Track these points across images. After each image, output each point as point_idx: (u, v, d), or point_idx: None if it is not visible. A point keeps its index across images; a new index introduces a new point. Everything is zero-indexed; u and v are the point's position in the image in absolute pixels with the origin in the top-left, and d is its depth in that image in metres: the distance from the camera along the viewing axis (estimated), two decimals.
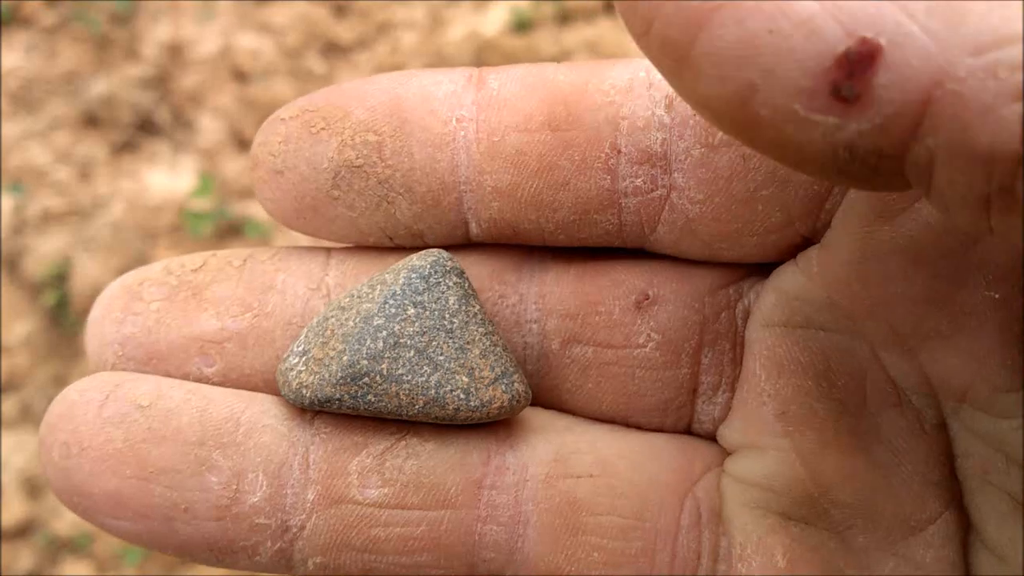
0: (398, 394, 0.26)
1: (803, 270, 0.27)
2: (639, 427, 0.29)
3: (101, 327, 0.29)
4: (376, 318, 0.26)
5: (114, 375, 0.28)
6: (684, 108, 0.27)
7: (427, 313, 0.27)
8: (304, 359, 0.27)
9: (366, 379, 0.26)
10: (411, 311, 0.27)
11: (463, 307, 0.27)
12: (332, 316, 0.27)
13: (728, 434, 0.28)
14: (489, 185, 0.27)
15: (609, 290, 0.28)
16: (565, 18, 1.47)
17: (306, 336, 0.27)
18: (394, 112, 0.27)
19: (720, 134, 0.26)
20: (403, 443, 0.27)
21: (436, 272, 0.27)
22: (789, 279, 0.27)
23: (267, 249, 0.30)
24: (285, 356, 0.28)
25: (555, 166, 0.27)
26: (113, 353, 0.28)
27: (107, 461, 0.26)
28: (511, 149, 0.27)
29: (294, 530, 0.26)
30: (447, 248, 0.29)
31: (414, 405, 0.26)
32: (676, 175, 0.27)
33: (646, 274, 0.28)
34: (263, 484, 0.26)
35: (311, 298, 0.29)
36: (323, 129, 0.28)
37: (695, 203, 0.27)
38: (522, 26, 1.44)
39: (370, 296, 0.27)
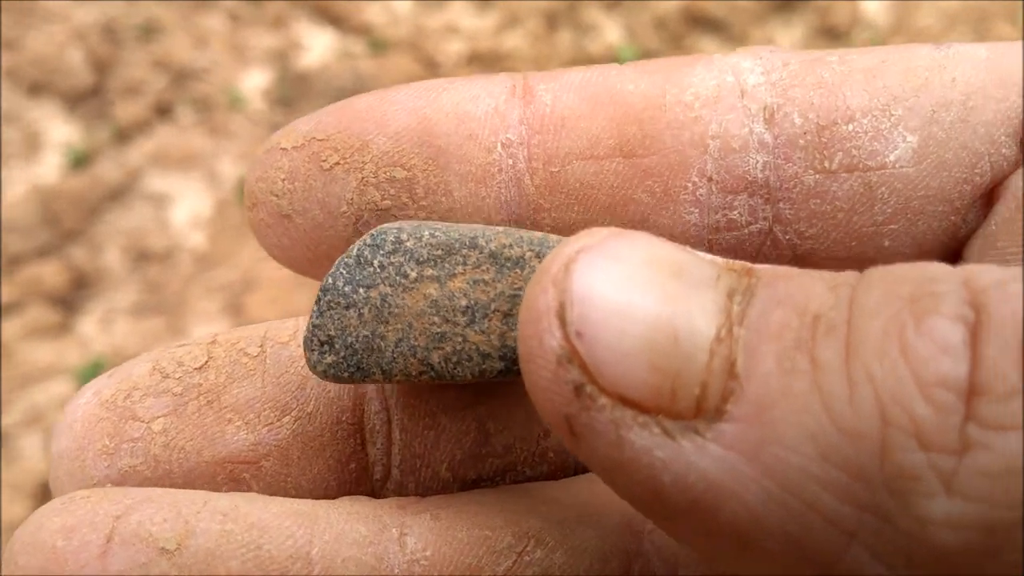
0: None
1: None
2: None
3: (80, 463, 0.21)
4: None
5: (105, 496, 0.20)
6: (790, 124, 0.23)
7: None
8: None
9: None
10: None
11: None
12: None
13: None
14: (547, 225, 0.24)
15: None
16: (122, 137, 1.50)
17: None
18: (424, 139, 0.23)
19: (840, 157, 0.22)
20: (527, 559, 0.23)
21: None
22: None
23: (285, 324, 0.24)
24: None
25: (630, 200, 0.23)
26: None
27: None
28: (574, 181, 0.23)
29: None
30: None
31: None
32: (781, 205, 0.23)
33: None
34: None
35: None
36: (337, 164, 0.23)
37: (805, 239, 0.23)
38: (80, 161, 1.45)
39: None
